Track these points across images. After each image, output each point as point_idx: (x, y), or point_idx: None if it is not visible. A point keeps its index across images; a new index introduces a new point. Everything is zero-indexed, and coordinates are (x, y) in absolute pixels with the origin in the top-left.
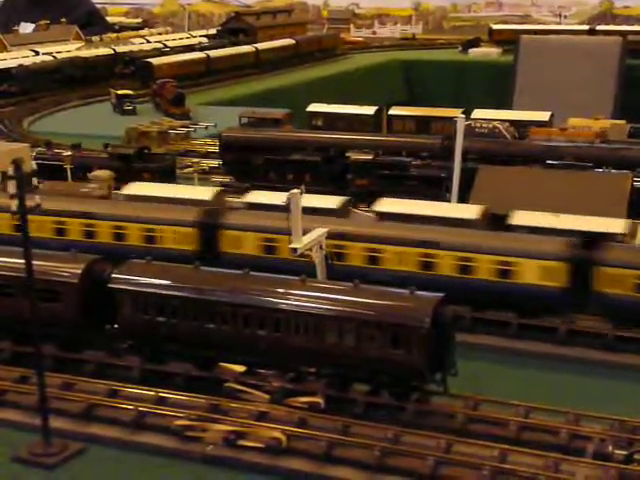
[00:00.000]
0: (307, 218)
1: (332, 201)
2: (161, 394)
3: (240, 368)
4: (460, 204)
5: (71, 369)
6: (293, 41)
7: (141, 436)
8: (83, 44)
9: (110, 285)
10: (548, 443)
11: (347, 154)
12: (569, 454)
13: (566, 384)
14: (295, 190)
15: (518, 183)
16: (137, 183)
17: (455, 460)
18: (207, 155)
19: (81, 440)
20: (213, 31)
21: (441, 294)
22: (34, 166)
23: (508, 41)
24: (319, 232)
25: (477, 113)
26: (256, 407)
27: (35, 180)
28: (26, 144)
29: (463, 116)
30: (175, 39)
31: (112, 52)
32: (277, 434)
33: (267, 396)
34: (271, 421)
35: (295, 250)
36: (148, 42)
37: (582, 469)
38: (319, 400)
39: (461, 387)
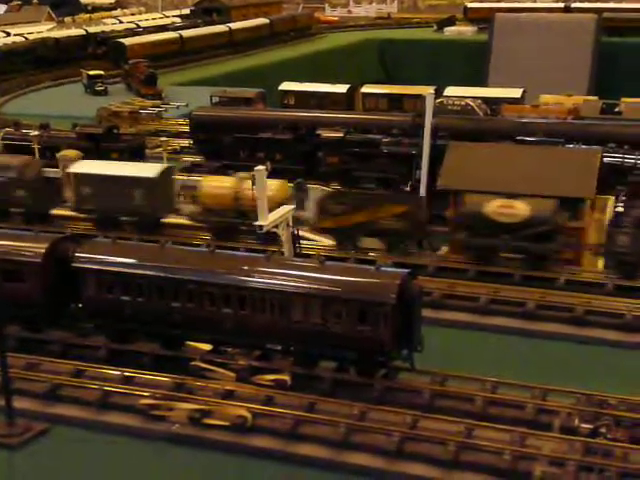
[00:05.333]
0: None
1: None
2: (126, 373)
3: (206, 347)
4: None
5: (36, 349)
6: (267, 21)
7: (106, 415)
8: (55, 25)
9: (74, 264)
10: (515, 418)
11: (318, 132)
12: (535, 429)
13: (534, 359)
14: (260, 167)
15: (488, 159)
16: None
17: (420, 436)
18: (178, 135)
19: (45, 420)
20: (187, 11)
21: (407, 270)
22: None
23: (483, 19)
24: (285, 209)
25: (449, 90)
26: (222, 385)
27: None
28: None
29: (432, 92)
30: (148, 19)
31: (84, 33)
32: (243, 412)
33: (233, 374)
34: (237, 399)
35: (261, 228)
36: (121, 22)
37: (548, 443)
38: (285, 378)
39: (428, 363)
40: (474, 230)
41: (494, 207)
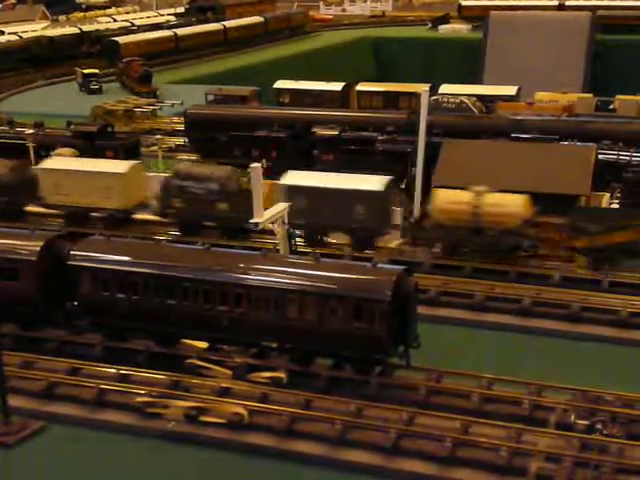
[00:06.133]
0: None
1: None
2: (122, 371)
3: (202, 344)
4: None
5: (31, 348)
6: (262, 19)
7: (102, 413)
8: (49, 23)
9: (69, 262)
10: (511, 414)
11: (313, 130)
12: (532, 425)
13: (530, 355)
14: (256, 164)
15: (482, 156)
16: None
17: (417, 432)
18: (173, 133)
19: (41, 418)
20: (181, 9)
21: (403, 266)
22: None
23: (478, 17)
24: (281, 206)
25: (444, 88)
26: (218, 383)
27: None
28: None
29: (427, 90)
30: (143, 17)
31: (78, 31)
32: (239, 409)
33: (229, 372)
34: (233, 397)
35: (256, 224)
36: (115, 21)
37: (544, 439)
38: (281, 375)
39: (424, 360)
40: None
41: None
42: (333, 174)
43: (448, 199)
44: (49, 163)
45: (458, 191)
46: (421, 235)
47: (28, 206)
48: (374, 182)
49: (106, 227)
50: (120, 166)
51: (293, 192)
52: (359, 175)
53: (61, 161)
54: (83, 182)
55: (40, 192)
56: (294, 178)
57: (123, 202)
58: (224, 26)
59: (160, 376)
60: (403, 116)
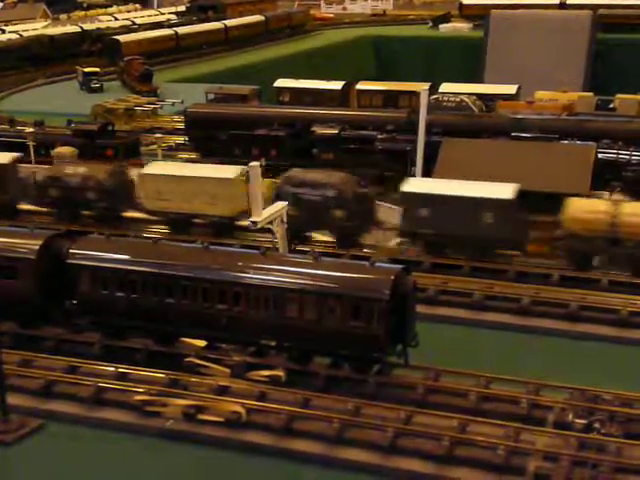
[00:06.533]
0: None
1: None
2: (121, 370)
3: (201, 343)
4: None
5: (30, 346)
6: (262, 18)
7: (100, 412)
8: (50, 22)
9: (68, 261)
10: (509, 413)
11: (313, 128)
12: (529, 424)
13: (528, 354)
14: (254, 162)
15: (482, 155)
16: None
17: (415, 431)
18: (173, 132)
19: (40, 416)
20: (182, 8)
21: (401, 266)
22: None
23: (478, 16)
24: (279, 205)
25: (445, 87)
26: (216, 381)
27: None
28: None
29: (427, 89)
30: (144, 16)
31: (79, 30)
32: (237, 408)
33: (228, 370)
34: (231, 395)
35: (255, 224)
36: (116, 19)
37: (542, 438)
38: (280, 374)
39: (422, 359)
40: None
41: None
42: (456, 182)
43: (583, 208)
44: (151, 169)
45: (594, 200)
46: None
47: (126, 212)
48: (503, 190)
49: (213, 235)
50: (227, 172)
51: (413, 200)
52: (483, 183)
53: (164, 166)
54: (187, 188)
55: (139, 198)
56: (417, 186)
57: (229, 209)
58: (225, 25)
59: (159, 374)
60: (403, 115)
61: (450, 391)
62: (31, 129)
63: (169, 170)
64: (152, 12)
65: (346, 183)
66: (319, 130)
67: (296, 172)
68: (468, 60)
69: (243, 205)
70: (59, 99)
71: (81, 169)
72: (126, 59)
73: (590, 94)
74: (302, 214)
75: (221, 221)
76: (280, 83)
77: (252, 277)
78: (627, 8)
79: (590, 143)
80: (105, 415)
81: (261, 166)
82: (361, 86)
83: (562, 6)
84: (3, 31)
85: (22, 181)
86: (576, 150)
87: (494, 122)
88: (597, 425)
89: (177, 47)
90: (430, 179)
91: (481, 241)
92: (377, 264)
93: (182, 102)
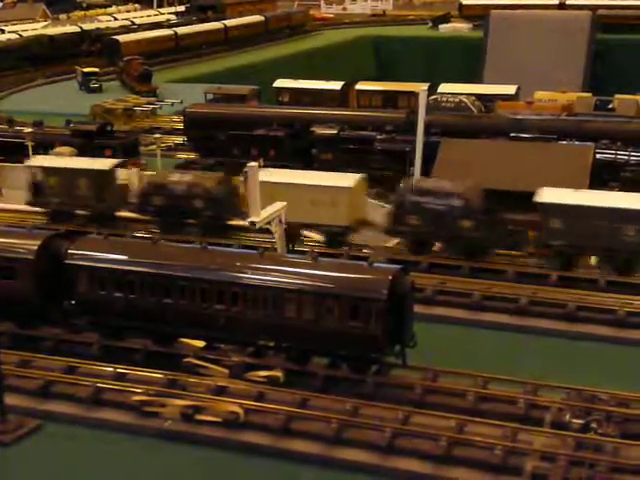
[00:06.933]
0: None
1: None
2: (119, 370)
3: (199, 343)
4: None
5: (28, 346)
6: (262, 18)
7: (99, 412)
8: (49, 22)
9: (67, 261)
10: (506, 413)
11: (312, 129)
12: (527, 424)
13: (525, 354)
14: (253, 163)
15: (481, 155)
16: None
17: (412, 431)
18: (172, 132)
19: (38, 417)
20: (182, 8)
21: (399, 266)
22: None
23: (478, 16)
24: (278, 206)
25: (444, 87)
26: (214, 382)
27: None
28: None
29: (425, 89)
30: (143, 16)
31: (79, 30)
32: (235, 408)
33: (226, 371)
34: (229, 395)
35: (253, 224)
36: (116, 19)
37: (539, 438)
38: (278, 374)
39: (420, 359)
40: None
41: None
42: (593, 192)
43: None
44: (262, 176)
45: None
46: None
47: (232, 220)
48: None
49: (328, 245)
50: (345, 180)
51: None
52: (621, 193)
53: (275, 174)
54: (301, 196)
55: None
56: (554, 196)
57: (345, 219)
58: (224, 25)
59: (157, 375)
60: (402, 115)
61: (448, 391)
62: (29, 129)
63: (282, 177)
64: (152, 12)
65: (474, 193)
66: (318, 130)
67: (419, 181)
68: (468, 60)
69: (361, 215)
70: (58, 99)
71: (187, 177)
72: (125, 59)
73: (589, 94)
74: (425, 224)
75: (336, 230)
76: (279, 83)
77: (250, 277)
78: (626, 8)
79: (588, 144)
80: (103, 415)
81: (259, 166)
82: (360, 86)
83: (562, 6)
84: (2, 31)
85: (122, 188)
86: (574, 150)
87: (493, 122)
88: (594, 425)
89: (176, 47)
90: (568, 190)
91: (621, 254)
92: (375, 264)
93: (181, 102)
